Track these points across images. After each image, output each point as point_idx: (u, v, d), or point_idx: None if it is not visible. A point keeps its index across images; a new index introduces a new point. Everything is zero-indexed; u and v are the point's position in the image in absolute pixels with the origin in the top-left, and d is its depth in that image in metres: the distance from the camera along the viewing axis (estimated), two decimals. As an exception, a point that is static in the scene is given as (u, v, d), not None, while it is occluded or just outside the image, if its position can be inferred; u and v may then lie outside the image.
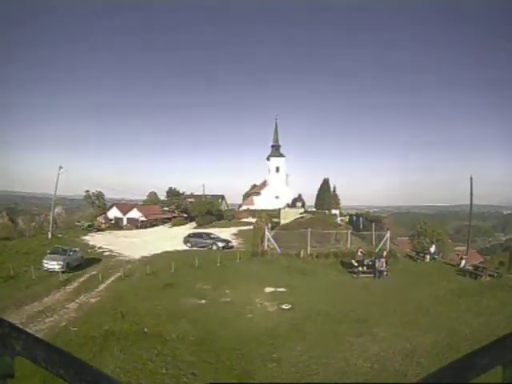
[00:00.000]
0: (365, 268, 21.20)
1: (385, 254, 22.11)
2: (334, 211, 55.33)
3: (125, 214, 53.35)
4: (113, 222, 51.87)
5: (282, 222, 39.91)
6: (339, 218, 46.88)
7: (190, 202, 57.93)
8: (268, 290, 17.06)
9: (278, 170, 74.08)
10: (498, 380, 0.73)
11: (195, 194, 63.14)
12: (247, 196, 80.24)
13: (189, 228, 45.32)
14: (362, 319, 12.69)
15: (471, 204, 29.61)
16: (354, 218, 42.29)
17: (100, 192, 57.20)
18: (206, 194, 62.24)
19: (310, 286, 17.86)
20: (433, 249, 27.87)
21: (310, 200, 62.33)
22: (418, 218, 47.87)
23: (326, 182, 61.11)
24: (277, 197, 68.43)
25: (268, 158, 75.57)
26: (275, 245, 25.80)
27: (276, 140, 75.72)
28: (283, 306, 14.43)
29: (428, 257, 26.45)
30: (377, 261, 20.96)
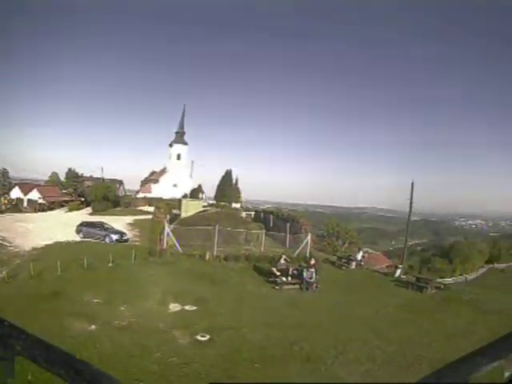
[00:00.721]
0: (289, 278, 18.84)
1: (313, 261, 19.92)
2: (234, 205, 56.64)
3: (26, 194, 53.11)
4: (14, 203, 50.75)
5: (183, 214, 38.27)
6: (244, 213, 45.93)
7: (88, 186, 57.56)
8: (173, 307, 13.73)
9: (179, 157, 74.76)
10: (498, 380, 0.78)
11: (95, 177, 64.44)
12: (145, 183, 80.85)
13: (84, 214, 45.31)
14: (312, 355, 9.88)
15: (410, 210, 29.25)
16: (262, 214, 40.77)
17: (4, 169, 56.40)
18: (104, 177, 63.92)
19: (225, 302, 14.84)
20: (360, 255, 26.90)
21: (211, 192, 65.19)
22: (320, 218, 48.18)
23: (228, 174, 62.74)
24: (175, 185, 69.76)
25: (171, 145, 76.18)
26: (175, 242, 23.27)
27: (181, 126, 76.17)
28: (199, 337, 10.86)
29: (354, 263, 25.31)
30: (304, 270, 18.74)
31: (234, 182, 64.89)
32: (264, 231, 27.94)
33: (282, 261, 19.74)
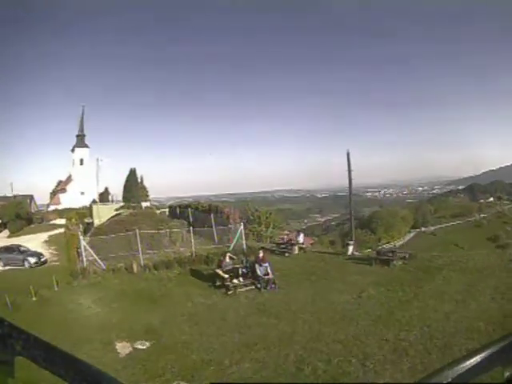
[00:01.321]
0: (241, 279, 16.79)
1: (261, 254, 17.94)
2: (144, 204, 56.78)
3: None
4: None
5: (97, 222, 36.60)
6: (158, 211, 44.59)
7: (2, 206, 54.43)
8: (122, 348, 10.73)
9: (82, 162, 74.64)
10: (498, 380, 0.82)
11: (8, 195, 63.00)
12: (54, 194, 79.74)
13: (3, 237, 42.52)
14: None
15: (350, 181, 28.66)
16: (178, 210, 38.52)
17: None
18: (15, 194, 63.20)
19: (180, 326, 12.22)
20: (301, 237, 25.83)
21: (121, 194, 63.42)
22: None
23: (132, 172, 62.45)
24: (82, 193, 69.99)
25: (72, 150, 76.17)
26: (95, 257, 21.04)
27: (81, 129, 75.98)
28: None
29: (296, 248, 24.18)
30: (257, 266, 16.87)
31: (139, 180, 65.21)
32: (190, 228, 25.76)
33: (228, 260, 17.55)
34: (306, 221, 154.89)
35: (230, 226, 25.52)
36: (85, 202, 60.12)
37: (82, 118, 77.50)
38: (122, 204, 52.65)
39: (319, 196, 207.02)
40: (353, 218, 30.73)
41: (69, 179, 76.75)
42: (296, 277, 17.73)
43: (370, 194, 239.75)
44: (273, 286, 16.38)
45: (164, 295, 15.98)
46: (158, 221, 30.35)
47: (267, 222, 48.54)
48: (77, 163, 75.15)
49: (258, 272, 16.57)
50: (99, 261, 20.84)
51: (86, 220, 37.94)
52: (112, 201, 58.59)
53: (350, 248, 22.69)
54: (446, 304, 11.80)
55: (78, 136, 76.45)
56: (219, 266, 17.13)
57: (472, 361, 0.79)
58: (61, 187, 78.19)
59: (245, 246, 23.12)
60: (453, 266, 16.64)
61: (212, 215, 27.17)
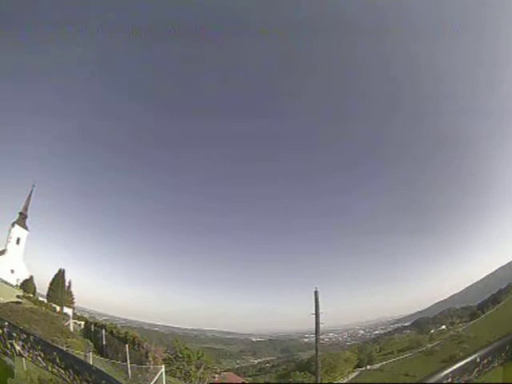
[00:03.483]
0: None
1: None
2: (66, 310, 54.43)
3: None
4: None
5: None
6: (71, 321, 37.25)
7: None
8: None
9: (18, 241, 70.83)
10: (498, 380, 0.83)
11: None
12: None
13: None
14: None
15: (317, 321, 29.71)
16: (93, 327, 30.87)
17: None
18: None
19: None
20: None
21: (43, 289, 61.31)
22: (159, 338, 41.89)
23: (61, 273, 59.56)
24: (12, 271, 65.62)
25: (13, 225, 71.78)
26: None
27: (25, 208, 72.52)
28: None
29: None
30: None
31: (67, 284, 61.59)
32: (90, 353, 19.17)
33: None
34: (238, 361, 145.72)
35: (147, 363, 19.93)
36: (12, 280, 58.56)
37: (30, 196, 74.27)
38: (28, 295, 49.21)
39: (253, 340, 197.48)
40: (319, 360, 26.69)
41: (2, 252, 70.66)
42: None
43: (307, 339, 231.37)
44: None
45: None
46: (57, 330, 23.47)
47: (198, 363, 43.45)
48: (13, 240, 70.32)
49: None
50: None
51: None
52: (34, 293, 54.89)
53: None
54: None
55: (20, 214, 72.16)
56: None
57: (472, 360, 0.78)
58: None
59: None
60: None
61: (127, 346, 20.85)
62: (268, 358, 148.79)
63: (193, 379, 30.71)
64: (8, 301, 33.14)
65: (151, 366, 19.56)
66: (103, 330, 26.95)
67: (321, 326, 29.09)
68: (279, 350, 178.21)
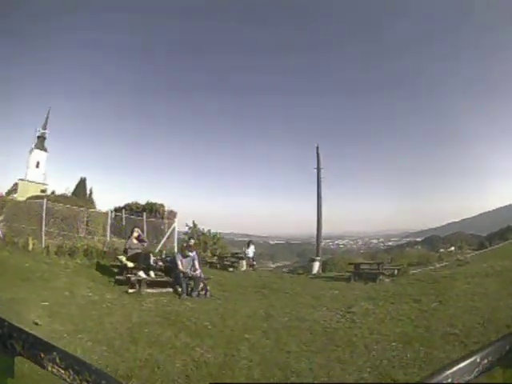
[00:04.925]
0: (152, 274, 10.81)
1: (192, 242, 12.88)
2: None
3: None
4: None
5: (20, 198, 32.19)
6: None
7: None
8: None
9: (38, 165, 66.56)
10: (498, 380, 0.81)
11: None
12: (8, 194, 69.14)
13: None
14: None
15: (319, 177, 26.77)
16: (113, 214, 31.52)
17: None
18: None
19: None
20: (251, 250, 20.11)
21: None
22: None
23: (82, 182, 58.14)
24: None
25: (30, 151, 67.45)
26: None
27: (44, 128, 68.24)
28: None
29: (244, 263, 18.73)
30: (178, 257, 11.06)
31: (88, 192, 58.11)
32: (111, 215, 19.71)
33: (135, 241, 11.40)
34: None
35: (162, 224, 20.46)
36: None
37: (47, 118, 69.20)
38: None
39: (271, 242, 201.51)
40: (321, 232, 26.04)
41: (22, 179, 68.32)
42: (240, 290, 11.91)
43: (323, 243, 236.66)
44: (202, 292, 10.45)
45: (41, 278, 10.12)
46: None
47: (213, 249, 43.25)
48: (32, 165, 66.78)
49: (180, 265, 10.56)
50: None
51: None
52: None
53: (316, 265, 17.00)
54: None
55: (39, 137, 68.23)
56: (124, 252, 11.16)
57: (472, 361, 0.76)
58: (15, 188, 67.17)
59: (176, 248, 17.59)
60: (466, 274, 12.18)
61: (144, 214, 20.90)
62: (285, 263, 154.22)
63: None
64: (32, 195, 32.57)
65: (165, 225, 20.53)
66: (123, 210, 27.16)
67: (337, 231, 28.52)
68: (295, 253, 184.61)
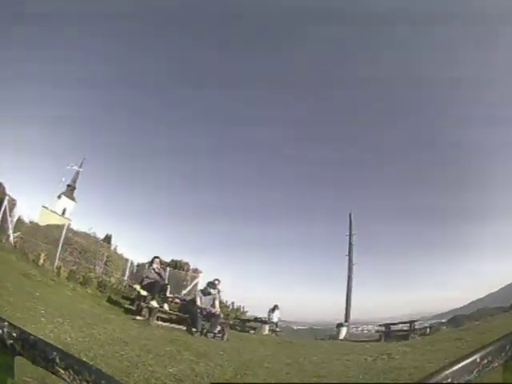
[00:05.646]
0: (166, 307, 9.99)
1: (217, 281, 11.15)
2: None
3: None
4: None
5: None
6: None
7: None
8: None
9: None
10: (498, 380, 0.80)
11: None
12: None
13: None
14: None
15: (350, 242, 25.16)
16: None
17: None
18: None
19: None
20: (276, 315, 18.67)
21: None
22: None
23: (107, 238, 55.15)
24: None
25: (59, 196, 64.33)
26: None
27: (74, 181, 65.86)
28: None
29: (267, 327, 16.83)
30: (198, 293, 10.35)
31: (112, 248, 57.55)
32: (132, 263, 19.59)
33: (153, 273, 10.59)
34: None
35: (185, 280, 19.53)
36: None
37: (78, 170, 72.58)
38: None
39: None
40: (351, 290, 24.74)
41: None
42: (260, 342, 10.39)
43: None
44: (219, 335, 9.34)
45: (42, 282, 10.05)
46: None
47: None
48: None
49: (198, 302, 9.70)
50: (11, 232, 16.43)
51: None
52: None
53: (344, 330, 15.73)
54: None
55: (68, 186, 64.92)
56: (140, 282, 10.47)
57: (472, 361, 0.76)
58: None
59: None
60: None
61: (168, 268, 20.58)
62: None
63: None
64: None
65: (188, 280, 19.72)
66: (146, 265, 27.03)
67: (363, 318, 27.05)
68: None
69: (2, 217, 16.42)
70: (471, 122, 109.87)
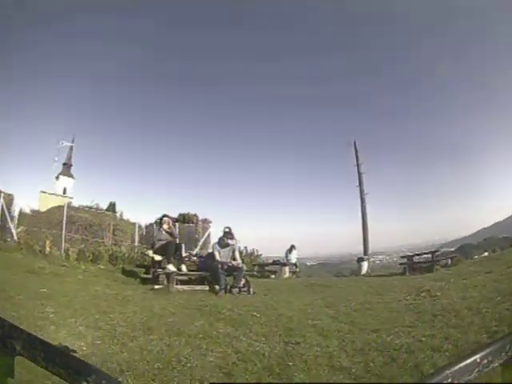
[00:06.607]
0: (184, 268, 9.29)
1: (229, 229, 10.01)
2: None
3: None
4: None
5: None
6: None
7: None
8: None
9: (65, 191, 65.42)
10: (498, 380, 0.78)
11: None
12: None
13: None
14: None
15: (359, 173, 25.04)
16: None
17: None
18: None
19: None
20: (293, 256, 18.26)
21: None
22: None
23: (111, 206, 57.25)
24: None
25: (57, 177, 65.65)
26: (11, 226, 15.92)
27: (69, 158, 67.45)
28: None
29: (287, 269, 16.33)
30: (216, 247, 9.40)
31: (118, 215, 58.52)
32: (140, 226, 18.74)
33: (164, 233, 9.74)
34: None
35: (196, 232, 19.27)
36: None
37: (71, 148, 71.60)
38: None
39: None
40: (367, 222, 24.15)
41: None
42: (288, 288, 10.07)
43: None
44: (244, 288, 8.71)
45: (52, 273, 9.11)
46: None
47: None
48: (59, 192, 68.99)
49: (217, 256, 8.93)
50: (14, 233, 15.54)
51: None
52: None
53: (365, 265, 15.17)
54: None
55: (64, 164, 69.98)
56: (152, 246, 9.64)
57: (472, 361, 0.75)
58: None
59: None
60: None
61: (177, 224, 19.81)
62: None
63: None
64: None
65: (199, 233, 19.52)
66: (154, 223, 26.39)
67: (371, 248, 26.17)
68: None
69: (1, 214, 15.95)
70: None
